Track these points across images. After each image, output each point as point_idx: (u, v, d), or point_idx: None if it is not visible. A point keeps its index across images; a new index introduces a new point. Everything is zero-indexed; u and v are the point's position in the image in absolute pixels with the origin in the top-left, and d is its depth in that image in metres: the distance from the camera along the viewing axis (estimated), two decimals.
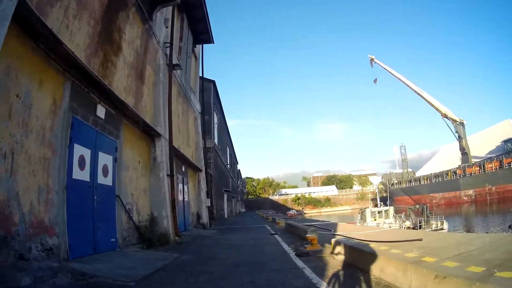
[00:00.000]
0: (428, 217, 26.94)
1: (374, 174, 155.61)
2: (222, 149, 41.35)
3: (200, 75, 22.50)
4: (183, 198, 16.06)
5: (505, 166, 57.78)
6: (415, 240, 8.00)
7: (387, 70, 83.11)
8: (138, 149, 10.78)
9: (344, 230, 16.48)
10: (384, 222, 29.51)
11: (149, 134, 11.47)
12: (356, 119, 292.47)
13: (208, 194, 21.12)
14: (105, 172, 8.29)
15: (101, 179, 8.06)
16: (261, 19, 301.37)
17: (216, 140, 33.97)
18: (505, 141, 70.67)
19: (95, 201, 7.68)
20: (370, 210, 32.11)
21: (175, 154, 14.74)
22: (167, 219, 11.06)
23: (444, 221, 26.63)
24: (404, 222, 28.35)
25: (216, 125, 34.86)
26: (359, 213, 34.49)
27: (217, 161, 34.25)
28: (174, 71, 14.26)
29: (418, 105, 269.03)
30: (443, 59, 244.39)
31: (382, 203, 35.52)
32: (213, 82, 33.72)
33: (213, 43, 21.99)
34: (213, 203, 28.68)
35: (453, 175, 73.23)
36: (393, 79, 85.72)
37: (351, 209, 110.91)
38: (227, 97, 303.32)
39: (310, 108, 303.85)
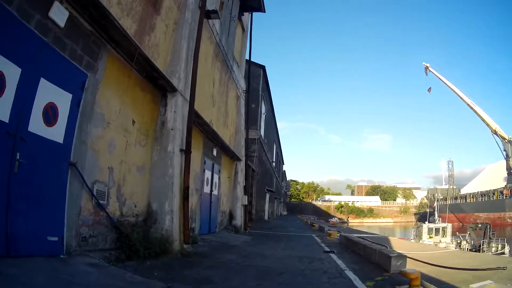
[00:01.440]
0: (490, 238, 22.92)
1: (418, 189, 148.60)
2: (269, 145, 37.40)
3: (248, 54, 18.87)
4: (210, 190, 12.25)
5: None
6: (498, 268, 7.59)
7: (441, 80, 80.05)
8: (135, 102, 7.00)
9: (401, 247, 13.32)
10: (440, 241, 26.00)
11: (158, 85, 7.68)
12: (402, 131, 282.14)
13: (247, 191, 17.18)
14: (50, 116, 4.58)
15: (38, 126, 4.38)
16: (317, 18, 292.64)
17: (262, 132, 30.08)
18: None
19: (16, 164, 4.04)
20: (428, 226, 28.17)
21: (204, 130, 11.06)
22: (171, 216, 7.18)
23: (506, 244, 22.53)
24: (461, 242, 24.87)
25: (263, 116, 30.95)
26: (414, 227, 30.84)
27: (262, 156, 30.32)
28: (209, 21, 10.57)
29: (466, 120, 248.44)
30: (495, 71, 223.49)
31: (438, 218, 31.20)
32: (263, 68, 29.81)
33: (264, 11, 18.36)
34: (252, 202, 24.88)
35: (499, 195, 69.03)
36: (446, 90, 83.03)
37: (393, 222, 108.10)
38: (275, 94, 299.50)
39: (359, 117, 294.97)
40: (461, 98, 76.00)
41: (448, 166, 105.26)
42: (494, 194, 70.77)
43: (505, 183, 71.03)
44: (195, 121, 10.03)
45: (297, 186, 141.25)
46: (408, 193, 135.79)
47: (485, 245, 22.19)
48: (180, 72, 8.14)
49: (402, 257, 6.72)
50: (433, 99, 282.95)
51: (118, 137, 6.39)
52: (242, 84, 17.68)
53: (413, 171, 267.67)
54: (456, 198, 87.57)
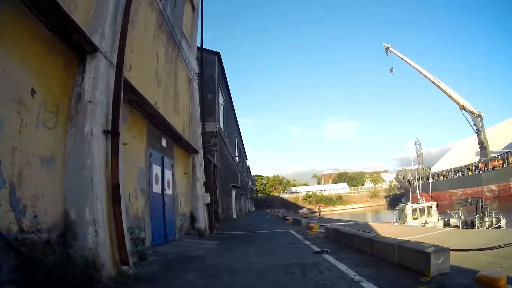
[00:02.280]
0: (483, 213, 21.57)
1: (386, 172, 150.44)
2: (230, 138, 35.19)
3: (199, 35, 16.47)
4: (162, 189, 9.92)
5: None
6: None
7: (403, 60, 76.97)
8: (39, 66, 4.68)
9: (389, 233, 12.45)
10: (426, 221, 24.48)
11: (74, 44, 5.32)
12: (365, 116, 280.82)
13: (209, 188, 14.94)
14: None
15: None
16: (268, 13, 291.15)
17: (221, 125, 27.82)
18: None
19: None
20: (411, 206, 26.14)
21: (148, 114, 8.75)
22: (94, 228, 4.85)
23: (501, 217, 21.19)
24: (449, 220, 23.39)
25: (221, 107, 28.69)
26: (397, 210, 28.52)
27: (223, 150, 28.08)
28: None
29: (431, 98, 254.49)
30: (457, 48, 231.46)
31: (422, 198, 29.34)
32: (218, 54, 27.58)
33: None
34: (217, 200, 22.68)
35: (474, 170, 68.27)
36: (409, 70, 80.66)
37: (364, 207, 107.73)
38: (233, 93, 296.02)
39: (320, 106, 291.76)
40: (424, 76, 73.93)
41: (416, 146, 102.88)
42: (468, 169, 70.39)
43: (478, 158, 70.75)
44: (133, 100, 7.80)
45: (263, 180, 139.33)
46: (376, 177, 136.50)
47: (479, 221, 21.16)
48: (104, 28, 5.87)
49: (444, 251, 4.78)
50: (397, 80, 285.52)
51: (4, 113, 4.01)
52: (195, 65, 15.42)
53: (379, 155, 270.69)
54: (427, 177, 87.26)
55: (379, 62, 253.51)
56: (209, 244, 9.98)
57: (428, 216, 25.25)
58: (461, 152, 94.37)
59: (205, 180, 14.04)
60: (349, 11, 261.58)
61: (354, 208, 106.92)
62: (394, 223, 26.23)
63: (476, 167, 67.85)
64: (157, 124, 9.73)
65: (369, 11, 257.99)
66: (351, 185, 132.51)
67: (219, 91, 27.57)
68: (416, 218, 25.00)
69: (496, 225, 20.51)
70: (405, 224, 24.35)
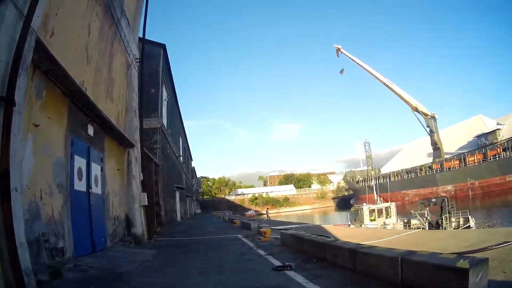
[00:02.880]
0: (450, 212, 20.80)
1: (333, 173, 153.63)
2: (174, 137, 33.19)
3: (143, 17, 14.87)
4: (88, 187, 8.17)
5: (490, 159, 54.24)
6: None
7: (354, 61, 76.99)
8: None
9: (349, 236, 12.08)
10: (384, 223, 23.52)
11: None
12: (312, 119, 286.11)
13: (147, 187, 13.25)
14: None
15: None
16: (213, 12, 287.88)
17: (165, 121, 25.93)
18: (478, 136, 67.36)
19: None
20: (368, 207, 24.95)
21: (70, 93, 7.17)
22: None
23: (470, 216, 20.63)
24: (410, 221, 22.67)
25: (165, 103, 26.77)
26: (352, 211, 27.46)
27: (166, 148, 26.18)
28: None
29: (380, 101, 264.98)
30: (412, 51, 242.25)
31: (380, 199, 28.33)
32: (163, 46, 25.77)
33: None
34: (160, 202, 20.88)
35: (428, 171, 69.18)
36: (361, 72, 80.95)
37: (311, 208, 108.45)
38: (178, 91, 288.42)
39: (266, 107, 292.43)
40: (376, 77, 73.61)
41: (365, 147, 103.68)
42: (421, 170, 70.62)
43: (431, 159, 71.31)
44: (51, 71, 6.15)
45: (208, 182, 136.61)
46: (323, 179, 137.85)
47: (446, 221, 20.25)
48: None
49: (482, 263, 3.44)
50: (347, 82, 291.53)
51: None
52: (135, 50, 13.74)
53: (325, 157, 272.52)
54: (378, 178, 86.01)
55: (329, 64, 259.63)
56: (145, 255, 8.41)
57: (387, 217, 24.34)
58: (412, 153, 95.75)
59: (142, 179, 12.31)
60: (300, 11, 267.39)
61: (302, 209, 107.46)
62: (349, 225, 25.23)
63: (430, 167, 68.42)
64: (82, 108, 8.00)
65: (320, 11, 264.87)
66: (298, 186, 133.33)
67: (163, 85, 25.70)
68: (374, 220, 23.98)
69: (465, 226, 19.94)
70: (362, 226, 23.38)
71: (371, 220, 23.94)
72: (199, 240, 12.20)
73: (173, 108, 34.07)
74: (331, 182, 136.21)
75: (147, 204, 11.89)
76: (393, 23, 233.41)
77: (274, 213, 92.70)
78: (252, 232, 13.96)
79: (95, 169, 8.81)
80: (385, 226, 22.92)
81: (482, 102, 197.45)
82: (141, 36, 15.24)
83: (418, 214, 22.20)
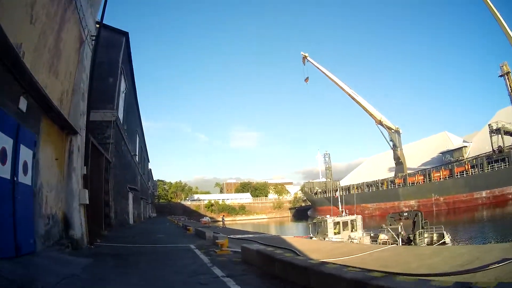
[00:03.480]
0: (423, 228, 19.88)
1: (291, 183, 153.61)
2: (130, 134, 30.96)
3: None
4: (13, 174, 6.35)
5: (457, 175, 54.14)
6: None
7: (320, 70, 75.76)
8: None
9: (313, 250, 11.13)
10: (349, 236, 22.30)
11: None
12: (271, 128, 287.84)
13: (90, 183, 11.36)
14: None
15: None
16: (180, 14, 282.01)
17: (121, 115, 23.89)
18: (444, 153, 68.44)
19: None
20: (333, 220, 23.41)
21: None
22: None
23: (445, 232, 19.73)
24: (378, 235, 21.63)
25: (123, 95, 24.71)
26: (314, 223, 25.90)
27: (121, 145, 24.08)
28: None
29: (345, 113, 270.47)
30: (381, 65, 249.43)
31: (345, 211, 26.75)
32: (126, 35, 23.81)
33: None
34: (110, 202, 18.92)
35: (390, 185, 68.29)
36: (326, 81, 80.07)
37: (268, 218, 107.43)
38: (141, 96, 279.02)
39: (227, 115, 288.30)
40: (341, 88, 72.26)
41: (325, 159, 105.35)
42: (383, 184, 69.50)
43: (393, 173, 70.62)
44: None
45: (165, 186, 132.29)
46: (280, 189, 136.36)
47: (419, 237, 19.13)
48: None
49: None
50: (311, 91, 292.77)
51: None
52: (91, 26, 12.03)
53: (282, 168, 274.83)
54: (336, 191, 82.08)
55: (294, 71, 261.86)
56: (75, 266, 6.71)
57: (352, 231, 23.06)
58: (372, 168, 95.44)
59: (85, 173, 10.49)
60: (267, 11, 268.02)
61: (258, 218, 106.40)
62: (311, 237, 23.80)
63: (393, 182, 67.29)
64: (14, 74, 6.31)
65: (288, 17, 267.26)
66: (255, 195, 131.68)
67: (122, 76, 23.71)
68: (338, 233, 22.67)
69: (440, 242, 19.00)
70: (326, 239, 21.88)
71: (335, 233, 22.70)
72: (145, 250, 10.42)
73: (131, 103, 31.87)
74: (288, 192, 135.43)
75: (87, 202, 10.03)
76: (362, 33, 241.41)
77: (230, 221, 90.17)
78: (207, 242, 12.28)
79: (25, 153, 7.04)
80: (352, 240, 21.85)
81: (447, 119, 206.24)
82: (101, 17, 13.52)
83: (390, 228, 21.08)
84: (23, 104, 7.02)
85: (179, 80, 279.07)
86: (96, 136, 18.97)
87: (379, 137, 72.09)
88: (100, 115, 19.66)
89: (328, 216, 24.92)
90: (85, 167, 10.50)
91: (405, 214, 21.82)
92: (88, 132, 11.56)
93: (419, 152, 77.88)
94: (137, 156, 36.68)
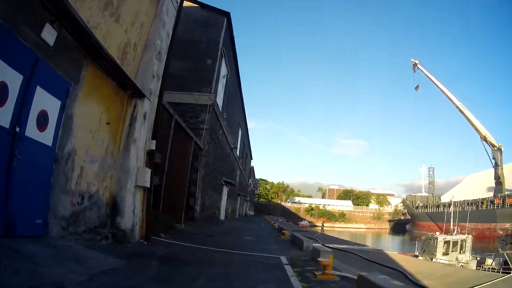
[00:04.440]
0: None
1: (392, 195, 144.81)
2: (231, 126, 29.63)
3: None
4: (15, 124, 4.40)
5: None
6: None
7: (430, 79, 72.27)
8: None
9: (423, 273, 9.68)
10: (457, 259, 19.43)
11: None
12: (376, 138, 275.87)
13: (153, 161, 9.17)
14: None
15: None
16: (292, 20, 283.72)
17: (220, 102, 22.35)
18: None
19: None
20: (444, 238, 20.44)
21: None
22: None
23: None
24: (485, 260, 18.60)
25: (223, 80, 23.18)
26: (422, 239, 22.87)
27: (218, 134, 22.50)
28: None
29: (450, 127, 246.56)
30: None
31: (457, 229, 23.19)
32: (227, 15, 22.06)
33: None
34: (197, 193, 17.27)
35: (489, 205, 62.87)
36: (434, 91, 77.62)
37: (366, 228, 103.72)
38: (247, 97, 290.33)
39: (332, 121, 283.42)
40: (450, 99, 68.86)
41: (429, 172, 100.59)
42: (483, 203, 65.23)
43: (492, 193, 66.26)
44: None
45: (266, 185, 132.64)
46: (382, 199, 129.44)
47: None
48: None
49: None
50: (419, 102, 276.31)
51: None
52: None
53: (384, 178, 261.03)
54: (438, 206, 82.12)
55: (402, 80, 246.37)
56: (87, 268, 4.40)
57: (460, 253, 20.10)
58: (473, 185, 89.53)
59: (153, 149, 8.37)
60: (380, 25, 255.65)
61: (356, 227, 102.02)
62: (416, 255, 20.64)
63: (492, 202, 62.98)
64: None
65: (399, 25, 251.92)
66: (356, 203, 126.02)
67: (223, 59, 22.07)
68: (446, 253, 19.81)
69: None
70: (434, 259, 18.95)
71: (444, 254, 19.89)
72: (217, 257, 7.52)
73: (234, 92, 30.43)
74: (389, 203, 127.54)
75: (148, 186, 7.84)
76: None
77: (328, 227, 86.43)
78: (303, 254, 9.17)
79: (46, 101, 5.04)
80: (455, 262, 18.90)
81: None
82: None
83: (506, 253, 17.05)
84: (49, 34, 5.00)
85: (285, 81, 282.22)
86: (188, 119, 17.57)
87: (478, 155, 66.20)
88: (194, 98, 18.22)
89: (437, 233, 22.31)
90: (154, 141, 8.40)
91: None
92: (178, 112, 9.58)
93: None
94: (237, 150, 35.44)
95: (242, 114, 40.43)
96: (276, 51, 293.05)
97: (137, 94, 7.79)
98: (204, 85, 19.06)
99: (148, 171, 7.81)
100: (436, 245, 20.09)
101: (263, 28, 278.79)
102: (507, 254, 17.10)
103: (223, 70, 22.71)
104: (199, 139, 17.46)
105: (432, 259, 18.99)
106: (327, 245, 14.62)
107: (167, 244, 8.04)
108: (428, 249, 20.84)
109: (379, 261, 10.96)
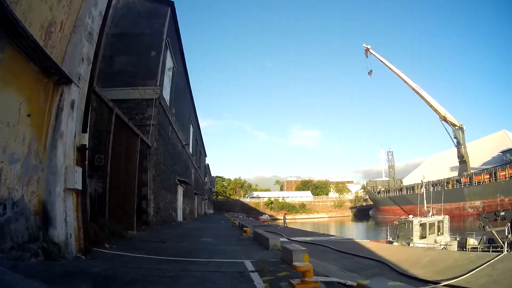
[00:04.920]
0: None
1: (351, 182, 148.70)
2: (181, 122, 28.25)
3: None
4: None
5: None
6: None
7: (383, 63, 72.92)
8: None
9: (408, 261, 9.29)
10: (435, 241, 18.76)
11: None
12: (332, 126, 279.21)
13: (87, 158, 7.94)
14: None
15: None
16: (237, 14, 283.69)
17: (167, 96, 21.05)
18: (504, 152, 63.49)
19: None
20: (419, 221, 19.48)
21: None
22: None
23: None
24: (466, 239, 18.14)
25: (169, 73, 21.84)
26: (395, 224, 22.07)
27: (167, 129, 21.16)
28: None
29: (406, 109, 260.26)
30: (443, 59, 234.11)
31: (433, 211, 22.41)
32: (171, 4, 20.75)
33: None
34: (149, 195, 16.01)
35: (455, 184, 64.30)
36: (389, 75, 76.08)
37: (328, 217, 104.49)
38: (197, 91, 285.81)
39: (287, 113, 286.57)
40: (405, 82, 69.64)
41: (388, 157, 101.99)
42: (448, 183, 66.12)
43: (457, 172, 67.80)
44: None
45: (223, 182, 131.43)
46: (341, 187, 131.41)
47: None
48: None
49: None
50: (374, 87, 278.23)
51: None
52: None
53: (342, 166, 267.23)
54: (401, 190, 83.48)
55: (355, 65, 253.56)
56: None
57: (438, 234, 19.57)
58: (434, 166, 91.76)
59: (84, 143, 7.08)
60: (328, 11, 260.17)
61: (318, 217, 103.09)
62: (391, 242, 20.05)
63: (458, 181, 64.44)
64: None
65: (350, 11, 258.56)
66: (315, 193, 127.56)
67: (168, 51, 20.73)
68: (424, 237, 19.08)
69: None
70: (411, 244, 18.27)
71: (420, 237, 19.08)
72: (167, 270, 6.03)
73: (182, 87, 28.97)
74: (349, 191, 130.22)
75: (80, 188, 6.60)
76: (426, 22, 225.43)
77: (290, 219, 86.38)
78: (271, 255, 8.00)
79: None
80: (437, 245, 18.32)
81: (506, 117, 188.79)
82: None
83: (494, 231, 16.49)
84: None
85: (238, 78, 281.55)
86: (134, 116, 16.26)
87: (438, 136, 67.96)
88: (139, 93, 16.89)
89: (411, 216, 21.46)
90: (85, 135, 7.12)
91: (502, 213, 17.30)
92: (123, 110, 8.26)
93: (479, 151, 72.79)
94: (189, 147, 34.07)
95: (192, 110, 39.00)
96: (228, 46, 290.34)
97: (64, 80, 6.55)
98: (148, 79, 17.74)
99: (79, 170, 6.56)
100: (412, 228, 19.18)
101: (210, 22, 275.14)
102: (496, 231, 16.73)
103: (169, 63, 21.39)
104: (146, 136, 16.17)
105: (409, 244, 18.37)
106: (292, 238, 14.05)
107: (110, 257, 6.85)
108: (403, 234, 19.94)
109: (353, 251, 10.51)
